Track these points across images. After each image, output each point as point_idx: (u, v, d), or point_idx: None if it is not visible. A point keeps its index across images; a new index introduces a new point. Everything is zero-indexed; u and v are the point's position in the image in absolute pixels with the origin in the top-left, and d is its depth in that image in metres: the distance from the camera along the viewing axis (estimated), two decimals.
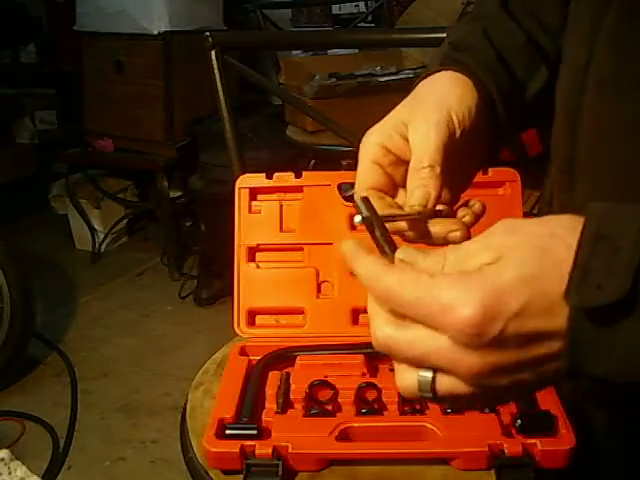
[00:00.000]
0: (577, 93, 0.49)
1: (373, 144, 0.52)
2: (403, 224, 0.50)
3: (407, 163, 0.52)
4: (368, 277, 0.39)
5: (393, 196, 0.53)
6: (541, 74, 0.56)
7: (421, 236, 0.50)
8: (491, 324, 0.36)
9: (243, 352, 0.99)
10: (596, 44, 0.47)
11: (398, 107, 0.54)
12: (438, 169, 0.49)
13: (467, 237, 0.49)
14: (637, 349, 0.35)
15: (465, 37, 0.57)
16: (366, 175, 0.52)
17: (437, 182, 0.49)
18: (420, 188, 0.49)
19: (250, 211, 1.04)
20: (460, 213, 0.52)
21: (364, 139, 0.54)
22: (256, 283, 1.01)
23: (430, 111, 0.51)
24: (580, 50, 0.49)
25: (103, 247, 3.10)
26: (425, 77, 0.56)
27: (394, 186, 0.53)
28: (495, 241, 0.38)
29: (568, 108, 0.50)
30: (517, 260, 0.37)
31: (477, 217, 0.52)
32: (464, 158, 0.54)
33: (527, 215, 1.08)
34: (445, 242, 0.49)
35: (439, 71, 0.55)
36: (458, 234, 0.49)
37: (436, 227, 0.50)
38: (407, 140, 0.52)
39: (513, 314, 0.36)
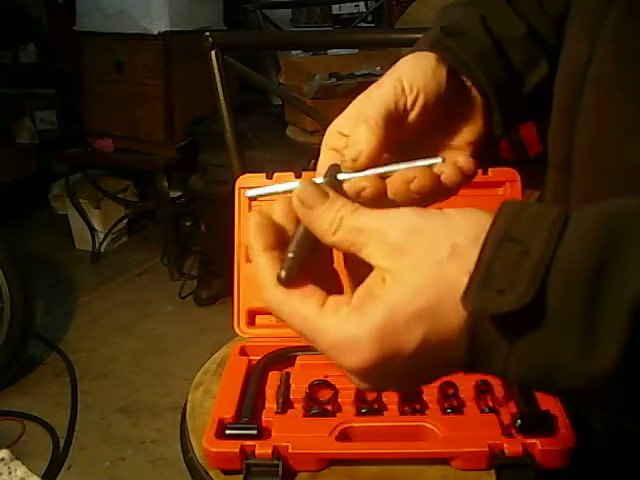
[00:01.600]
0: (576, 91, 0.47)
1: (329, 132, 0.49)
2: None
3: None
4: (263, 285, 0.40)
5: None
6: (541, 67, 0.53)
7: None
8: (387, 365, 0.35)
9: (243, 352, 0.99)
10: (598, 42, 0.45)
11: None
12: (375, 126, 0.44)
13: (379, 193, 0.44)
14: (538, 363, 0.33)
15: (460, 22, 0.53)
16: (322, 161, 0.48)
17: (372, 139, 0.44)
18: (354, 144, 0.45)
19: (250, 211, 1.05)
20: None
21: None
22: (256, 283, 1.01)
23: (381, 80, 0.48)
24: (582, 47, 0.47)
25: (103, 247, 3.10)
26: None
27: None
28: (392, 243, 0.36)
29: (566, 105, 0.48)
30: (412, 289, 0.34)
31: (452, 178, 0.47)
32: (433, 130, 0.50)
33: None
34: (365, 201, 0.43)
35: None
36: (368, 191, 0.43)
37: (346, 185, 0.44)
38: None
39: (409, 355, 0.35)
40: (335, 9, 3.29)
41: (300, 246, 0.39)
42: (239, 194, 1.05)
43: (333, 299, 0.37)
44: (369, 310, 0.35)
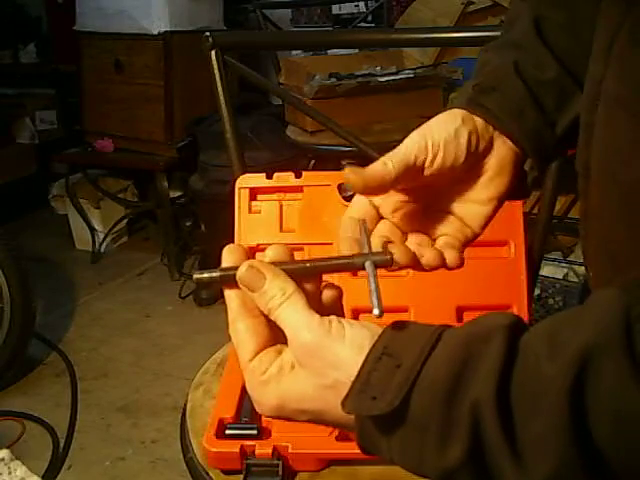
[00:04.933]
0: (592, 106, 0.49)
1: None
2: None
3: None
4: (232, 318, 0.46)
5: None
6: (573, 105, 0.56)
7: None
8: (282, 416, 0.45)
9: None
10: (610, 61, 0.47)
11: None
12: (389, 166, 0.49)
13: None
14: (411, 455, 0.39)
15: (495, 74, 0.56)
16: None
17: (379, 174, 0.49)
18: (365, 171, 0.49)
19: (250, 211, 1.05)
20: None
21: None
22: None
23: (411, 136, 0.52)
24: (597, 65, 0.49)
25: (103, 247, 3.10)
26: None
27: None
28: (302, 345, 0.42)
29: (586, 118, 0.51)
30: (302, 394, 0.43)
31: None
32: (454, 184, 0.54)
33: (526, 215, 1.08)
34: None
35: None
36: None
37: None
38: None
39: (303, 421, 0.45)
40: (335, 9, 3.28)
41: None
42: (239, 194, 1.05)
43: (258, 359, 0.44)
44: (269, 391, 0.44)
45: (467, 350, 0.38)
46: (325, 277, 0.48)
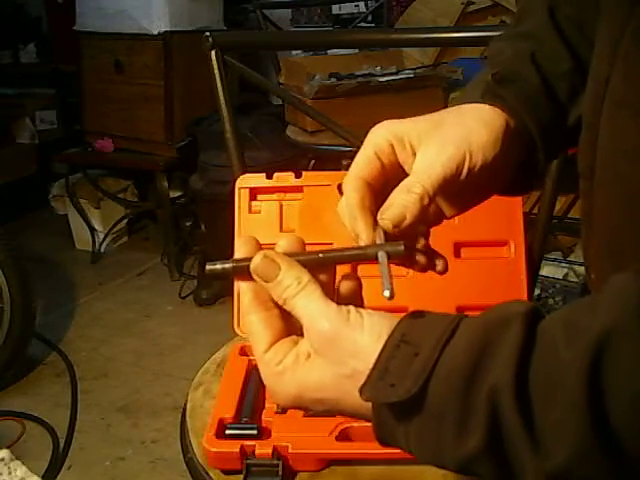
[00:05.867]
0: (597, 107, 0.49)
1: (383, 137, 0.51)
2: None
3: (399, 174, 0.51)
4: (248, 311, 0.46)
5: (376, 196, 0.51)
6: (582, 99, 0.56)
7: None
8: (300, 406, 0.45)
9: (243, 352, 0.99)
10: (616, 61, 0.47)
11: (420, 118, 0.53)
12: (426, 200, 0.48)
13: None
14: (429, 443, 0.39)
15: (511, 65, 0.56)
16: (364, 164, 0.51)
17: (417, 211, 0.48)
18: (399, 207, 0.48)
19: (250, 211, 1.05)
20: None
21: (375, 128, 0.53)
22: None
23: (448, 142, 0.50)
24: (603, 64, 0.49)
25: (103, 247, 3.10)
26: (463, 101, 0.55)
27: (381, 188, 0.51)
28: (319, 332, 0.42)
29: (590, 119, 0.50)
30: (319, 382, 0.43)
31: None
32: (461, 195, 0.54)
33: (526, 215, 1.08)
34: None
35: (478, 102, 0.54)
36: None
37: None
38: (414, 154, 0.51)
39: (320, 411, 0.45)
40: (335, 9, 3.28)
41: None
42: (239, 194, 1.05)
43: (273, 350, 0.44)
44: (286, 381, 0.43)
45: (485, 337, 0.38)
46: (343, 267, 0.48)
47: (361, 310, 0.43)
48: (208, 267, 0.45)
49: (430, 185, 0.49)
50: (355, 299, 0.47)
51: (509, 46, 0.58)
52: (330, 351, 0.42)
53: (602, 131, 0.49)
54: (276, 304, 0.45)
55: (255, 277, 0.44)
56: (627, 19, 0.46)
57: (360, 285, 0.48)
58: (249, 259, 0.45)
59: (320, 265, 0.45)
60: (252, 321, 0.45)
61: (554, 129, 0.55)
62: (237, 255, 0.46)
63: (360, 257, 0.46)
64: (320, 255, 0.45)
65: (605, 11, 0.50)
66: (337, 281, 0.48)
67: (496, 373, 0.37)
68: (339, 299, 0.45)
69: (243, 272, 0.45)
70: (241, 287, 0.46)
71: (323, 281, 0.45)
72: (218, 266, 0.45)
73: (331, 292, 0.46)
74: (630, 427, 0.34)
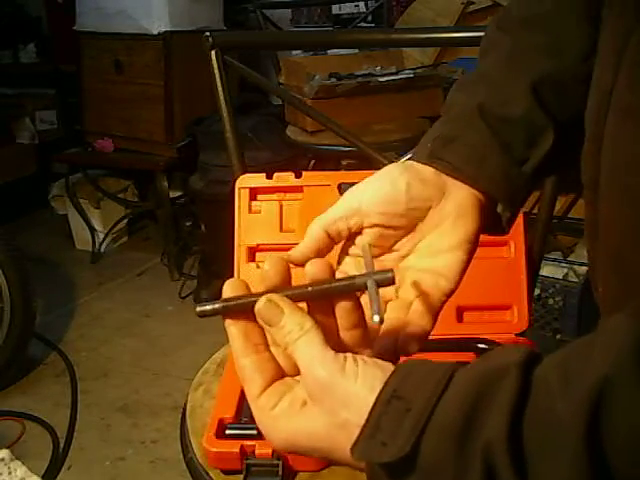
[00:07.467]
0: (601, 117, 0.48)
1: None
2: None
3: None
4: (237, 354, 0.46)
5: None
6: (544, 142, 0.55)
7: None
8: (295, 451, 0.44)
9: None
10: (620, 72, 0.46)
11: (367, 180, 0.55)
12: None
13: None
14: None
15: (456, 121, 0.56)
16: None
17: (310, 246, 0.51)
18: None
19: (250, 211, 1.05)
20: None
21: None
22: (256, 283, 1.01)
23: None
24: (607, 74, 0.48)
25: (103, 247, 3.10)
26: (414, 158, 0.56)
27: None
28: (316, 380, 0.42)
29: (594, 129, 0.50)
30: (312, 432, 0.42)
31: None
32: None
33: (526, 215, 1.08)
34: None
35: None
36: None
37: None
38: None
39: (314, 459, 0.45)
40: (335, 9, 3.28)
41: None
42: (239, 194, 1.05)
43: (266, 395, 0.44)
44: (280, 427, 0.43)
45: (478, 391, 0.37)
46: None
47: (358, 358, 0.42)
48: (198, 309, 0.45)
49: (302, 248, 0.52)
50: (360, 343, 0.47)
51: (462, 96, 0.58)
52: (324, 399, 0.42)
53: (606, 142, 0.48)
54: (267, 347, 0.45)
55: (259, 321, 0.44)
56: (632, 28, 0.45)
57: (366, 331, 0.47)
58: (238, 297, 0.45)
59: (309, 299, 0.45)
60: (244, 365, 0.45)
61: (508, 177, 0.54)
62: (225, 295, 0.46)
63: (349, 288, 0.45)
64: (309, 289, 0.45)
65: (608, 20, 0.50)
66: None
67: (490, 428, 0.36)
68: (340, 341, 0.45)
69: (233, 312, 0.45)
70: (231, 331, 0.45)
71: (322, 313, 0.45)
72: (208, 307, 0.45)
73: (331, 324, 0.46)
74: (631, 478, 0.33)
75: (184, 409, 0.95)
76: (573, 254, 2.12)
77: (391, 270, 0.45)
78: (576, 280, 2.01)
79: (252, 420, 0.84)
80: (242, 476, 0.79)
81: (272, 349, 0.46)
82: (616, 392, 0.33)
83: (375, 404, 0.39)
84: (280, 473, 0.78)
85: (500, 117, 0.55)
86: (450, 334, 0.98)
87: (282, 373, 0.45)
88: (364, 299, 0.46)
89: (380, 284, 0.45)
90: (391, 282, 0.45)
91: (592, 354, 0.35)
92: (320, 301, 0.46)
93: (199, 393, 0.97)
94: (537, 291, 1.99)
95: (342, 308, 0.45)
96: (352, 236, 0.54)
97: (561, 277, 2.03)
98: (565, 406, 0.34)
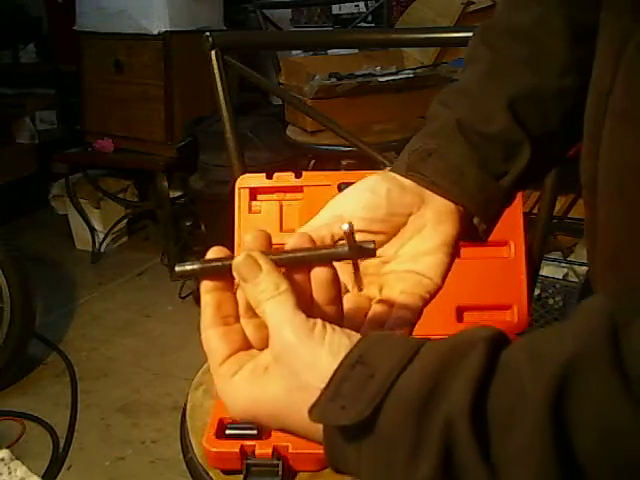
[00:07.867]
0: (599, 119, 0.48)
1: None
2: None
3: None
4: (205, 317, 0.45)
5: None
6: (521, 157, 0.55)
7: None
8: (254, 419, 0.43)
9: None
10: (617, 75, 0.46)
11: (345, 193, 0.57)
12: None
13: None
14: (381, 470, 0.38)
15: (435, 135, 0.56)
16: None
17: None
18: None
19: (250, 211, 1.05)
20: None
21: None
22: None
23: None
24: (604, 77, 0.48)
25: (103, 247, 3.10)
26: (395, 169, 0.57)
27: None
28: (282, 342, 0.41)
29: (592, 130, 0.50)
30: (272, 395, 0.41)
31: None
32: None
33: (526, 215, 1.08)
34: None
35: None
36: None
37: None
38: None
39: (273, 428, 0.43)
40: (335, 9, 3.28)
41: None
42: (239, 194, 1.05)
43: (228, 363, 0.44)
44: (240, 393, 0.42)
45: (444, 364, 0.37)
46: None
47: (327, 325, 0.42)
48: (177, 269, 0.45)
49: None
50: (334, 315, 0.46)
51: (443, 109, 0.58)
52: (288, 361, 0.41)
53: (604, 143, 0.48)
54: (237, 319, 0.45)
55: (235, 274, 0.43)
56: (630, 31, 0.45)
57: (340, 295, 0.47)
58: (218, 259, 0.44)
59: (290, 265, 0.45)
60: (209, 336, 0.44)
61: (485, 191, 0.55)
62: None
63: (331, 256, 0.45)
64: (291, 255, 0.45)
65: (606, 23, 0.50)
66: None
67: (452, 400, 0.35)
68: (312, 307, 0.45)
69: (211, 273, 0.45)
70: (205, 299, 0.45)
71: (299, 281, 0.45)
72: (187, 267, 0.45)
73: (306, 293, 0.45)
74: (596, 461, 0.33)
75: (184, 409, 0.95)
76: (573, 254, 2.12)
77: (373, 242, 0.46)
78: (576, 280, 2.01)
79: None
80: (242, 476, 0.79)
81: (242, 321, 0.45)
82: (585, 370, 0.33)
83: (339, 367, 0.39)
84: (280, 473, 0.78)
85: (478, 132, 0.55)
86: (450, 334, 0.98)
87: (248, 345, 0.44)
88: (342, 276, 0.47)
89: (361, 254, 0.45)
90: (372, 254, 0.46)
91: (563, 333, 0.35)
92: (299, 270, 0.45)
93: (199, 393, 0.97)
94: (537, 291, 1.99)
95: (320, 279, 0.45)
96: (336, 244, 0.54)
97: (561, 277, 2.03)
98: (532, 381, 0.34)
